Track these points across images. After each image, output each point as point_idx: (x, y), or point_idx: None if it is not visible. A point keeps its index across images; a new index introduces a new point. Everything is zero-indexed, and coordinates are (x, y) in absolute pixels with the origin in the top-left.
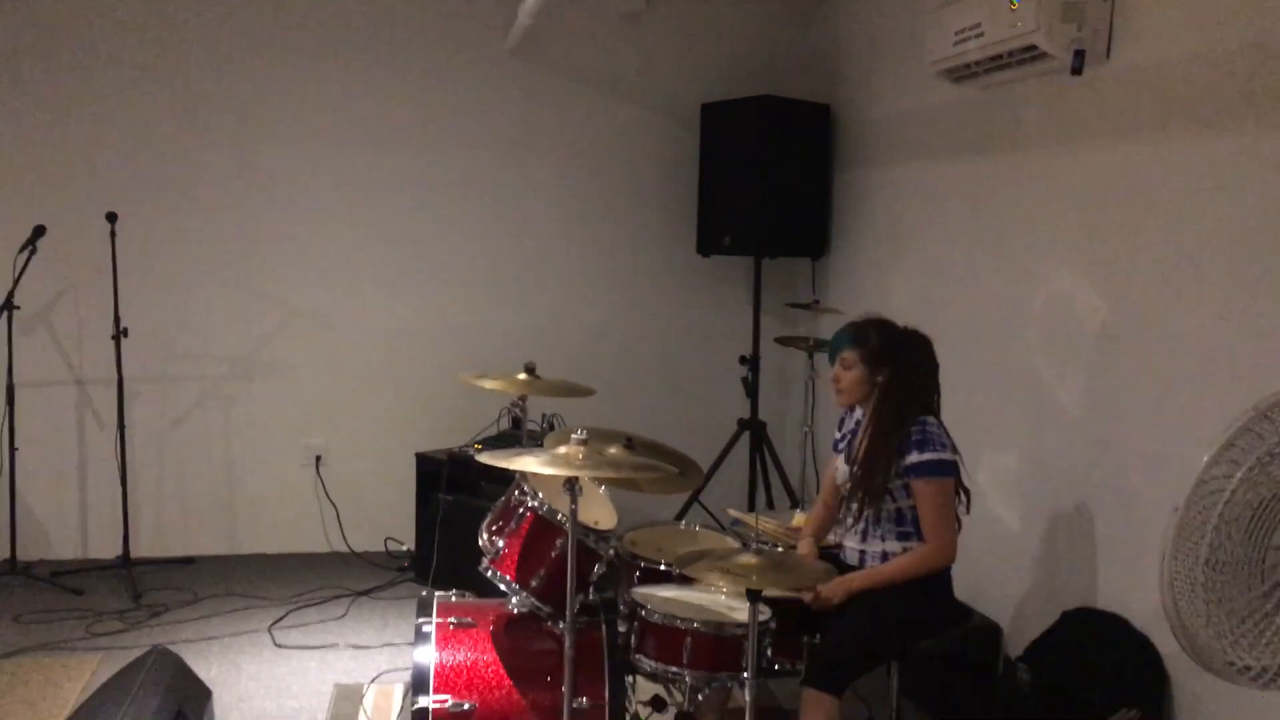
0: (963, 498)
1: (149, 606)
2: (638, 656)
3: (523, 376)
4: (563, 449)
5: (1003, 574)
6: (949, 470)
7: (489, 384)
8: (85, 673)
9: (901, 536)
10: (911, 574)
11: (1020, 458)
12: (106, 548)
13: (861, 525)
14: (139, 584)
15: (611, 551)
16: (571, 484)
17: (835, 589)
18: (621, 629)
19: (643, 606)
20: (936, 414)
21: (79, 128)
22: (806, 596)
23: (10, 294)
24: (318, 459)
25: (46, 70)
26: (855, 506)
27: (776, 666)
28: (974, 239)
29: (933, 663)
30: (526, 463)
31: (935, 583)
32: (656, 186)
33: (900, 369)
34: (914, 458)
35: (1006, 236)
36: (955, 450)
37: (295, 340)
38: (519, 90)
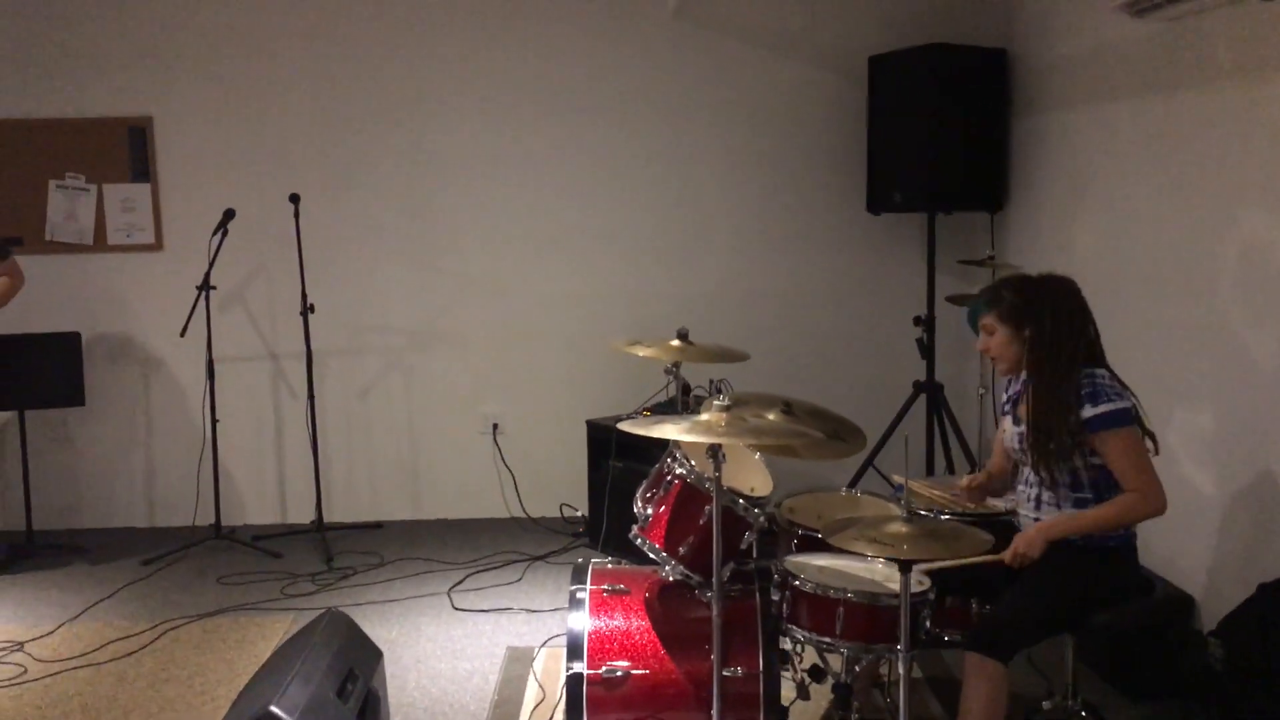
0: (1149, 444)
1: (339, 569)
2: (790, 626)
3: (676, 343)
4: (705, 415)
5: (1194, 542)
6: (1128, 418)
7: (643, 351)
8: (278, 631)
9: (1078, 504)
10: (1114, 523)
11: (1213, 417)
12: (302, 513)
13: (1034, 492)
14: (331, 548)
15: (764, 519)
16: (715, 450)
17: (1032, 541)
18: (775, 597)
19: (795, 575)
20: (1100, 358)
21: (264, 115)
22: (1005, 555)
23: (207, 275)
24: (495, 426)
25: (234, 63)
26: (1028, 470)
27: (945, 637)
28: (1161, 183)
29: (1115, 635)
30: (668, 430)
31: (1119, 550)
32: (823, 144)
33: (1044, 320)
34: (1089, 411)
35: (1196, 180)
36: (1130, 394)
37: (469, 311)
38: (681, 52)
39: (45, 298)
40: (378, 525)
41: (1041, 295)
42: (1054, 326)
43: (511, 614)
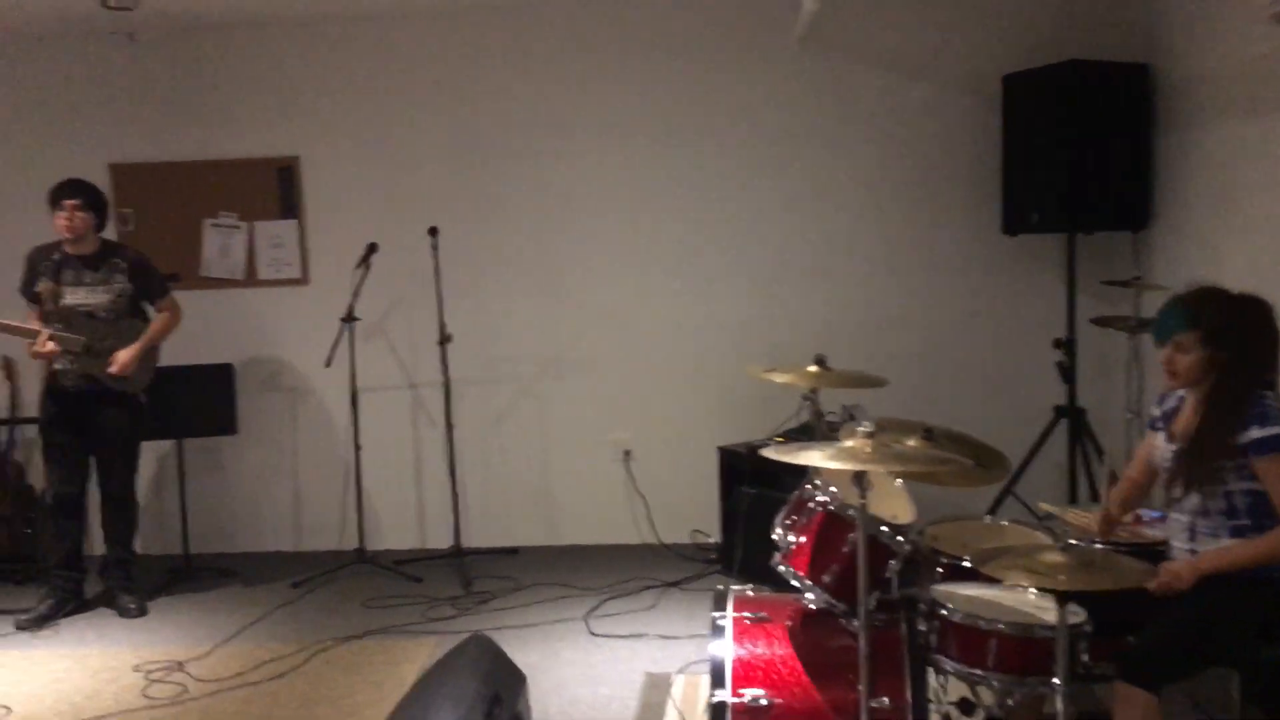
0: None
1: (478, 594)
2: (939, 657)
3: (813, 369)
4: (850, 442)
5: None
6: None
7: (779, 377)
8: (421, 655)
9: (1235, 531)
10: (1271, 556)
11: None
12: (440, 538)
13: (1188, 520)
14: (469, 572)
15: (909, 547)
16: (860, 478)
17: (1183, 572)
18: (923, 627)
19: (943, 605)
20: (1273, 385)
21: (403, 154)
22: (1151, 583)
23: (350, 307)
24: (626, 453)
25: (375, 106)
26: (1179, 490)
27: (1100, 671)
28: None
29: None
30: (812, 457)
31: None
32: (955, 166)
33: (1245, 345)
34: (1256, 434)
35: None
36: None
37: (600, 339)
38: (808, 78)
39: (200, 331)
40: (513, 550)
41: (1245, 319)
42: (1252, 351)
43: (647, 640)
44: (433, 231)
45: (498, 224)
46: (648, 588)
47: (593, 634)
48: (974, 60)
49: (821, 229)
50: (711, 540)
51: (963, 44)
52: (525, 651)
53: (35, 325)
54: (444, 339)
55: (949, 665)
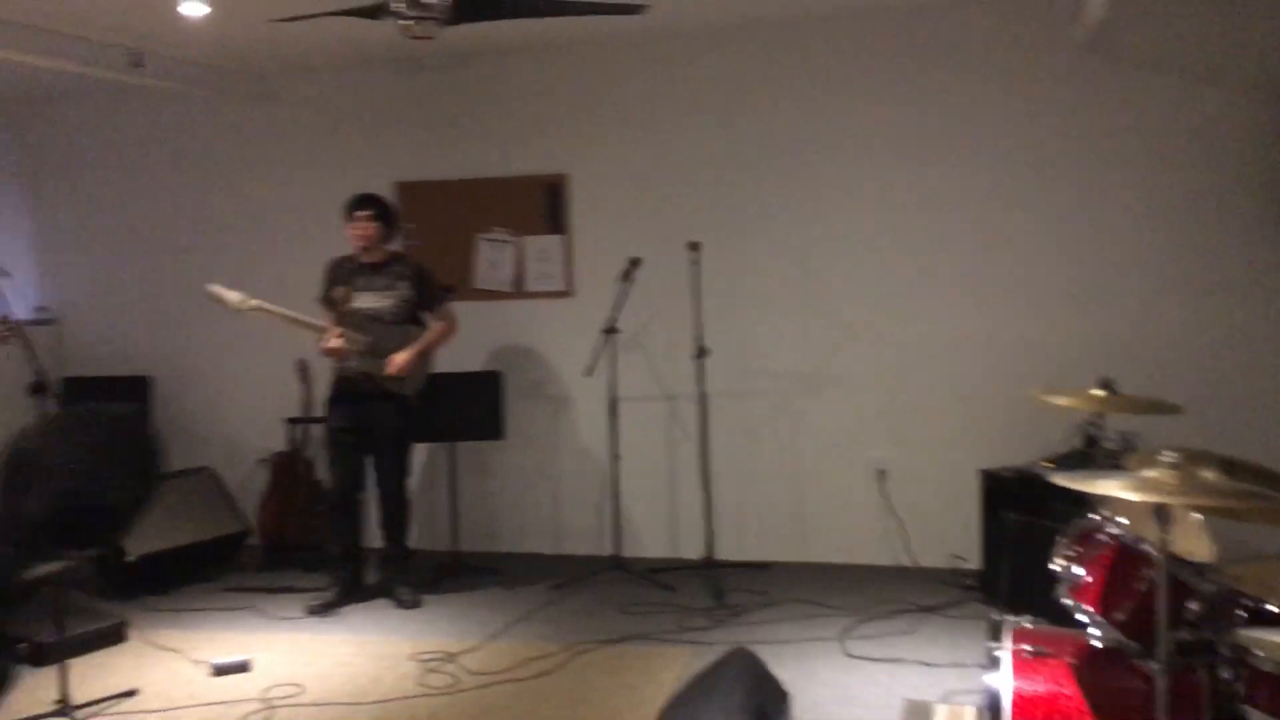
0: None
1: (730, 606)
2: (1247, 707)
3: (1099, 392)
4: (1152, 473)
5: None
6: None
7: (1062, 400)
8: (677, 663)
9: None
10: None
11: None
12: (692, 548)
13: None
14: (721, 584)
15: (1210, 587)
16: (1162, 511)
17: None
18: (1226, 674)
19: (1252, 651)
20: None
21: (666, 171)
22: None
23: (613, 319)
24: (881, 472)
25: (640, 124)
26: None
27: None
28: None
29: None
30: (1111, 487)
31: None
32: (1249, 176)
33: None
34: None
35: None
36: None
37: (858, 355)
38: (1089, 87)
39: (472, 340)
40: (764, 565)
41: None
42: None
43: (905, 665)
44: (694, 246)
45: (758, 238)
46: (903, 611)
47: (848, 655)
48: (1271, 65)
49: (1101, 244)
50: (970, 566)
51: (1258, 48)
52: (780, 668)
53: (326, 323)
54: (701, 352)
55: (1259, 717)
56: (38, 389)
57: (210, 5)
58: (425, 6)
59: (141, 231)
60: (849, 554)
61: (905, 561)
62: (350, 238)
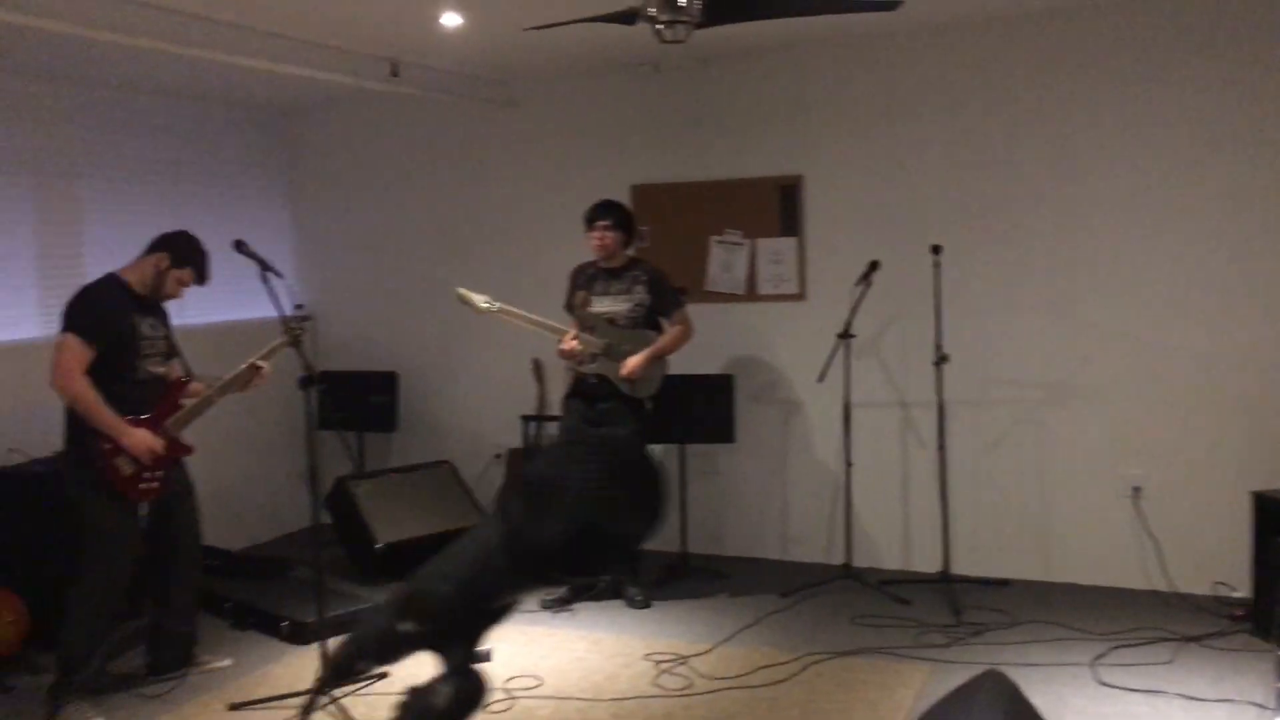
0: None
1: (969, 624)
2: None
3: None
4: None
5: None
6: None
7: None
8: (916, 681)
9: None
10: None
11: None
12: (927, 561)
13: None
14: (958, 600)
15: None
16: None
17: None
18: None
19: None
20: None
21: (905, 170)
22: None
23: (848, 323)
24: (1136, 490)
25: (877, 123)
26: None
27: None
28: None
29: None
30: None
31: None
32: None
33: None
34: None
35: None
36: None
37: (1113, 366)
38: None
39: (703, 342)
40: (1004, 582)
41: None
42: None
43: (1166, 698)
44: (935, 249)
45: (1004, 241)
46: (1162, 640)
47: (1101, 683)
48: None
49: None
50: (1238, 595)
51: None
52: (1027, 694)
53: (564, 325)
54: (940, 358)
55: None
56: (306, 383)
57: (466, 16)
58: (678, 10)
59: (391, 234)
60: (1097, 574)
61: (1161, 586)
62: (591, 246)
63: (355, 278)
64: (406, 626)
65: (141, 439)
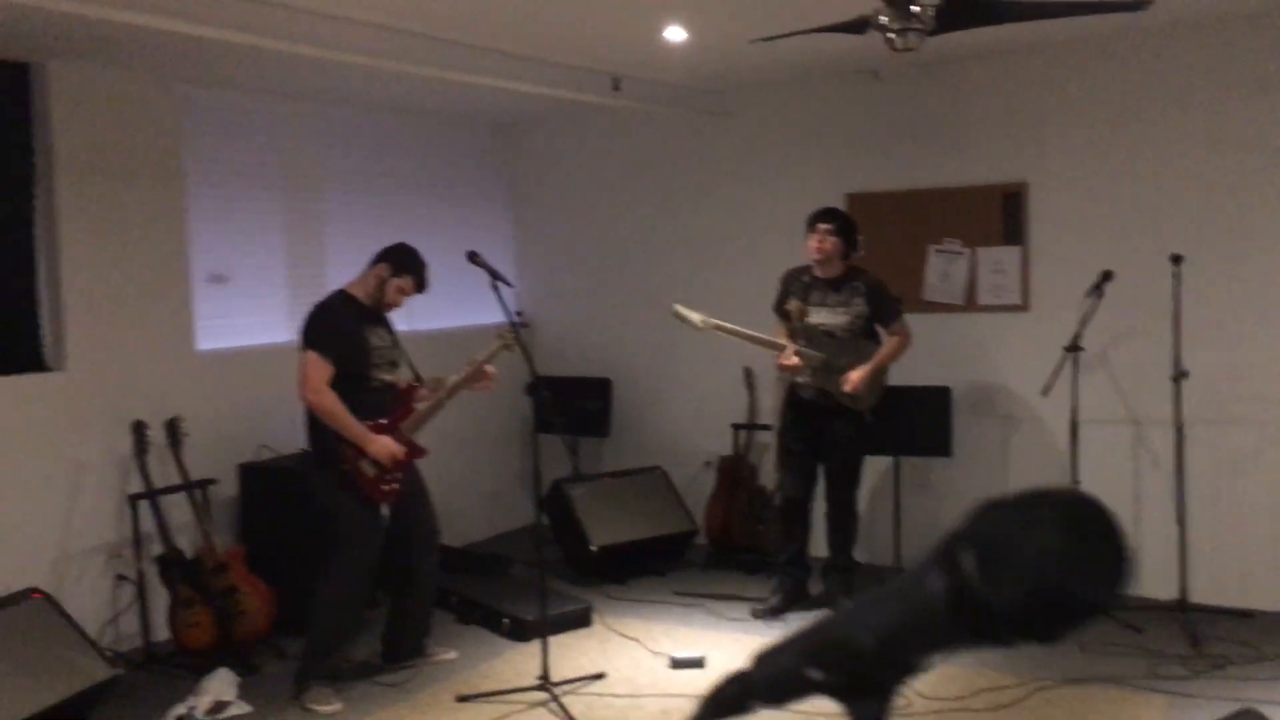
0: None
1: (1209, 656)
2: None
3: None
4: None
5: None
6: None
7: None
8: (1152, 714)
9: None
10: None
11: None
12: (1160, 587)
13: None
14: (1196, 630)
15: None
16: None
17: None
18: None
19: None
20: None
21: (1140, 176)
22: None
23: (1076, 336)
24: None
25: (1107, 127)
26: None
27: None
28: None
29: None
30: None
31: None
32: None
33: None
34: None
35: None
36: None
37: None
38: None
39: (920, 353)
40: (1247, 613)
41: None
42: None
43: None
44: (1176, 259)
45: (1250, 248)
46: None
47: None
48: None
49: None
50: None
51: None
52: None
53: (783, 340)
54: (1179, 374)
55: None
56: (532, 389)
57: (690, 30)
58: (911, 18)
59: (607, 243)
60: None
61: None
62: (809, 249)
63: (572, 286)
64: (815, 674)
65: (384, 445)
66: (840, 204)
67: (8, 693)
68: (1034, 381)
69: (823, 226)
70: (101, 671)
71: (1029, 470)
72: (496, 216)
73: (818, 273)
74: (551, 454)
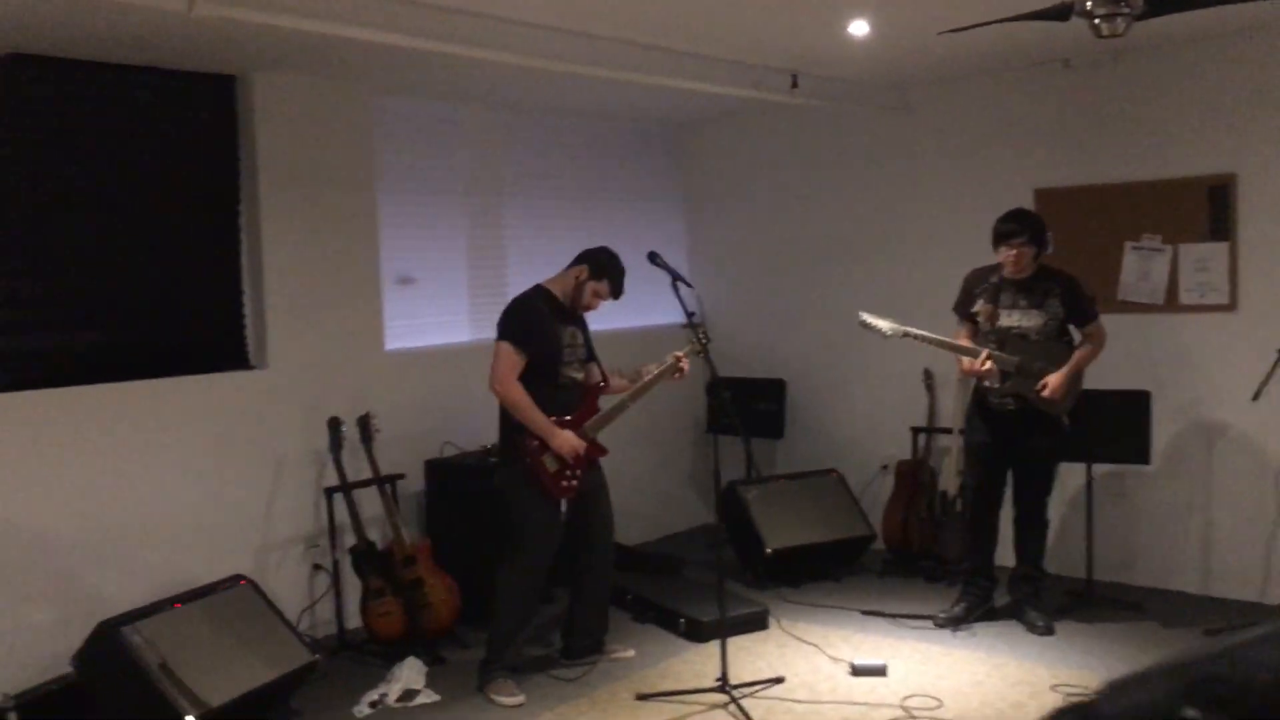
0: None
1: None
2: None
3: None
4: None
5: None
6: None
7: None
8: None
9: None
10: None
11: None
12: None
13: None
14: None
15: None
16: None
17: None
18: None
19: None
20: None
21: None
22: None
23: None
24: None
25: None
26: None
27: None
28: None
29: None
30: None
31: None
32: None
33: None
34: None
35: None
36: None
37: None
38: None
39: (1116, 356)
40: None
41: None
42: None
43: None
44: None
45: None
46: None
47: None
48: None
49: None
50: None
51: None
52: None
53: (975, 345)
54: None
55: None
56: (712, 389)
57: (874, 24)
58: (1119, 2)
59: (781, 242)
60: None
61: None
62: (1001, 261)
63: (745, 286)
64: (1192, 714)
65: (567, 440)
66: (1028, 201)
67: (222, 673)
68: (1242, 386)
69: (1014, 241)
70: (302, 656)
71: (1237, 479)
72: (669, 217)
73: (1008, 273)
74: (724, 455)
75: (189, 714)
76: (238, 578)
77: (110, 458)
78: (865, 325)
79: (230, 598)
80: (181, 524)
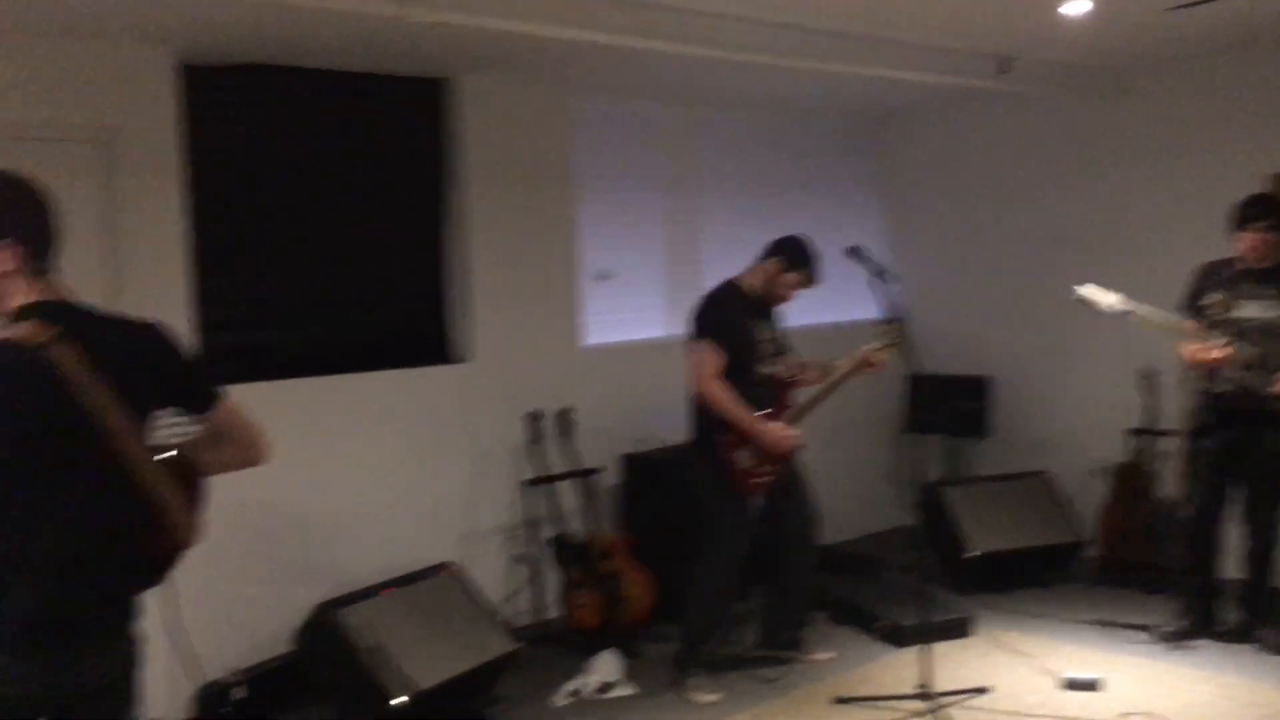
0: None
1: None
2: None
3: None
4: None
5: None
6: None
7: None
8: None
9: None
10: None
11: None
12: None
13: None
14: None
15: None
16: None
17: None
18: None
19: None
20: None
21: None
22: None
23: None
24: None
25: None
26: None
27: None
28: None
29: None
30: None
31: None
32: None
33: None
34: None
35: None
36: None
37: None
38: None
39: None
40: None
41: None
42: None
43: None
44: None
45: None
46: None
47: None
48: None
49: None
50: None
51: None
52: None
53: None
54: None
55: None
56: (912, 386)
57: (1094, 2)
58: None
59: (985, 235)
60: None
61: None
62: (1240, 248)
63: (948, 280)
64: None
65: (776, 432)
66: (1261, 187)
67: (430, 657)
68: None
69: (1259, 224)
70: (505, 644)
71: None
72: (868, 210)
73: (1249, 261)
74: (925, 455)
75: (400, 695)
76: (444, 565)
77: (326, 448)
78: (1082, 300)
79: (437, 585)
80: (392, 511)
